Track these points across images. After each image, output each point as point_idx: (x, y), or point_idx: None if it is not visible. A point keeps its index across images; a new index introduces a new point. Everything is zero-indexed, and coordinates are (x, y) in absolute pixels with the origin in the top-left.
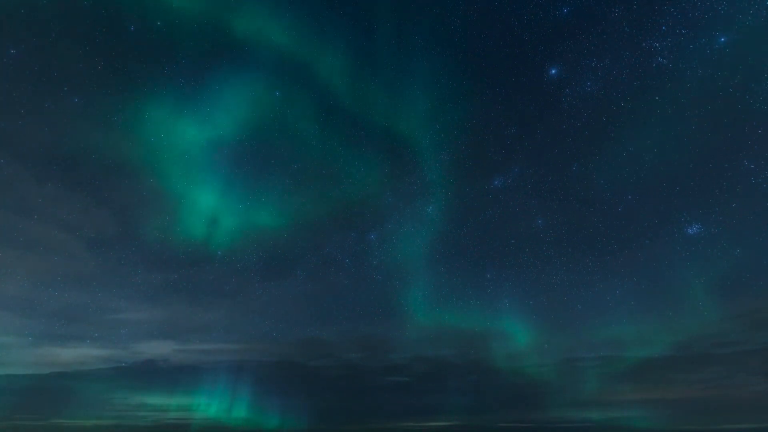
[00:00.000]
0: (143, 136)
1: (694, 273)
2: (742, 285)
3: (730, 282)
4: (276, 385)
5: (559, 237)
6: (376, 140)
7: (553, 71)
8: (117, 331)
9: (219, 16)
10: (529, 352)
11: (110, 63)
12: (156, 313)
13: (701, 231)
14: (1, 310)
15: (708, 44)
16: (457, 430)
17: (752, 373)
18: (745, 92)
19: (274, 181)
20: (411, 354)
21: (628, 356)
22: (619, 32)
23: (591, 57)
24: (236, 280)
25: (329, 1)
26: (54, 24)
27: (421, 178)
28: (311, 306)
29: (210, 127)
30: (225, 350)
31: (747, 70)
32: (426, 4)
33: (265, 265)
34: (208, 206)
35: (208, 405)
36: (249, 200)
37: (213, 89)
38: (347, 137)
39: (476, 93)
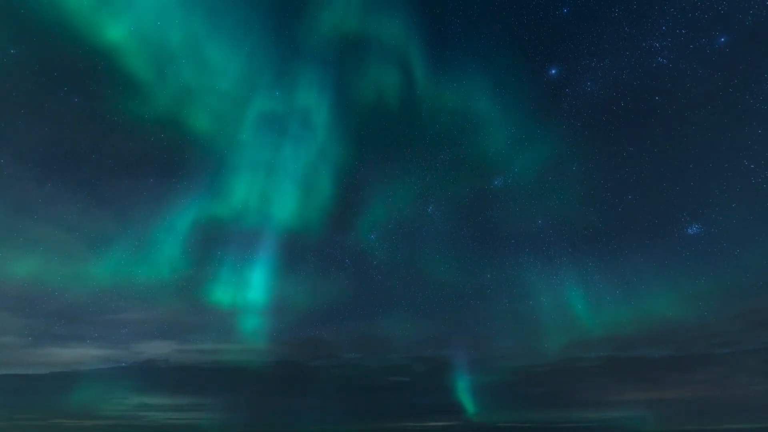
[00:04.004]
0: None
1: (694, 273)
2: (742, 285)
3: (730, 282)
4: (276, 385)
5: (559, 237)
6: (375, 139)
7: (553, 71)
8: (117, 331)
9: None
10: (529, 352)
11: (110, 63)
12: (156, 313)
13: (701, 231)
14: (1, 310)
15: (708, 44)
16: (457, 430)
17: (752, 373)
18: (745, 92)
19: (272, 181)
20: (411, 354)
21: (628, 356)
22: (619, 32)
23: (591, 57)
24: (237, 280)
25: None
26: (54, 24)
27: (421, 178)
28: (311, 306)
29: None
30: (225, 350)
31: (747, 70)
32: (426, 3)
33: (266, 265)
34: (208, 206)
35: (207, 405)
36: (248, 201)
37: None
38: (347, 137)
39: (476, 93)
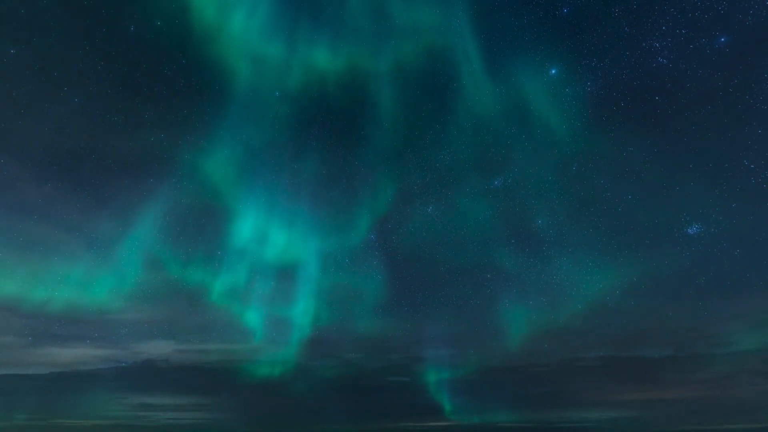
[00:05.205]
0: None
1: (694, 273)
2: (742, 285)
3: (730, 282)
4: (276, 385)
5: (559, 237)
6: (375, 140)
7: (553, 71)
8: (117, 331)
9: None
10: (529, 352)
11: (110, 63)
12: (156, 313)
13: (701, 231)
14: (1, 310)
15: (708, 44)
16: (457, 430)
17: (752, 373)
18: (745, 92)
19: (272, 182)
20: (411, 354)
21: (628, 356)
22: (619, 32)
23: (591, 57)
24: (236, 280)
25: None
26: (54, 24)
27: (420, 177)
28: (311, 306)
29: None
30: (225, 350)
31: (747, 70)
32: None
33: (265, 265)
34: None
35: (207, 405)
36: (247, 201)
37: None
38: (346, 138)
39: (475, 92)
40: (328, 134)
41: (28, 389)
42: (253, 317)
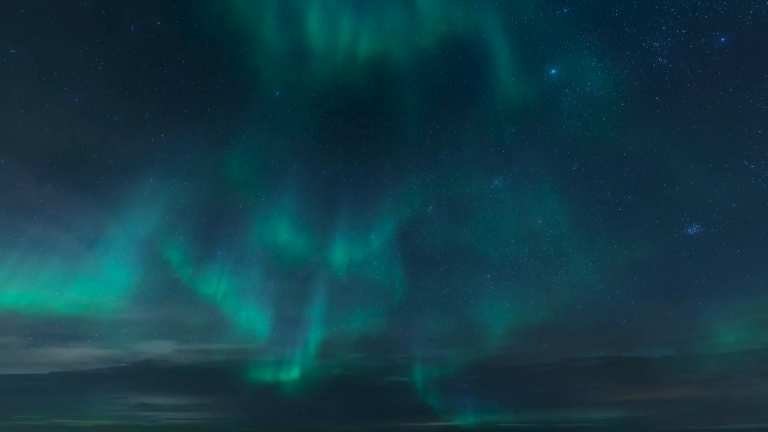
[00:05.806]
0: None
1: (694, 273)
2: (742, 285)
3: (730, 282)
4: (276, 385)
5: (559, 237)
6: (377, 141)
7: (553, 71)
8: (117, 331)
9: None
10: (529, 353)
11: (110, 63)
12: (156, 313)
13: (701, 231)
14: (1, 310)
15: (708, 44)
16: (456, 430)
17: (752, 373)
18: (745, 92)
19: (273, 182)
20: (411, 354)
21: (628, 356)
22: (619, 32)
23: (591, 57)
24: (236, 280)
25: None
26: (54, 24)
27: (421, 177)
28: (311, 306)
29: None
30: (225, 350)
31: (747, 70)
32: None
33: (264, 265)
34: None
35: (207, 405)
36: (247, 201)
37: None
38: (346, 138)
39: (476, 93)
40: (330, 134)
41: (29, 389)
42: (253, 317)
